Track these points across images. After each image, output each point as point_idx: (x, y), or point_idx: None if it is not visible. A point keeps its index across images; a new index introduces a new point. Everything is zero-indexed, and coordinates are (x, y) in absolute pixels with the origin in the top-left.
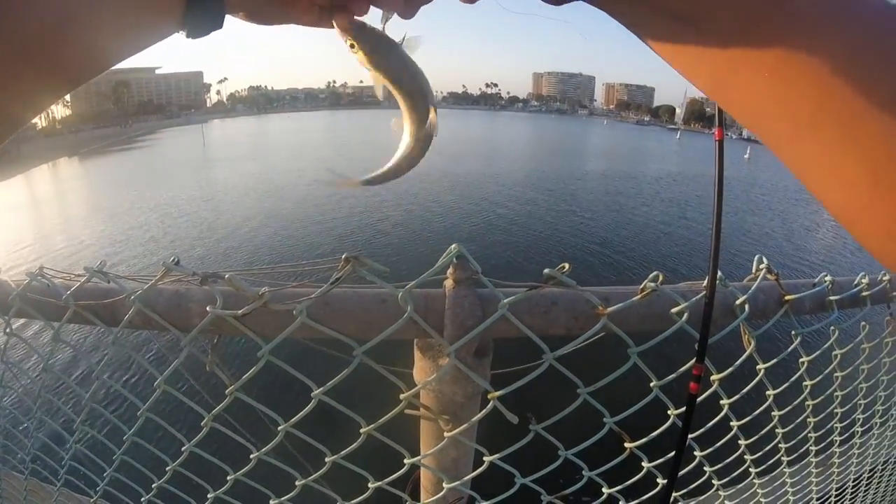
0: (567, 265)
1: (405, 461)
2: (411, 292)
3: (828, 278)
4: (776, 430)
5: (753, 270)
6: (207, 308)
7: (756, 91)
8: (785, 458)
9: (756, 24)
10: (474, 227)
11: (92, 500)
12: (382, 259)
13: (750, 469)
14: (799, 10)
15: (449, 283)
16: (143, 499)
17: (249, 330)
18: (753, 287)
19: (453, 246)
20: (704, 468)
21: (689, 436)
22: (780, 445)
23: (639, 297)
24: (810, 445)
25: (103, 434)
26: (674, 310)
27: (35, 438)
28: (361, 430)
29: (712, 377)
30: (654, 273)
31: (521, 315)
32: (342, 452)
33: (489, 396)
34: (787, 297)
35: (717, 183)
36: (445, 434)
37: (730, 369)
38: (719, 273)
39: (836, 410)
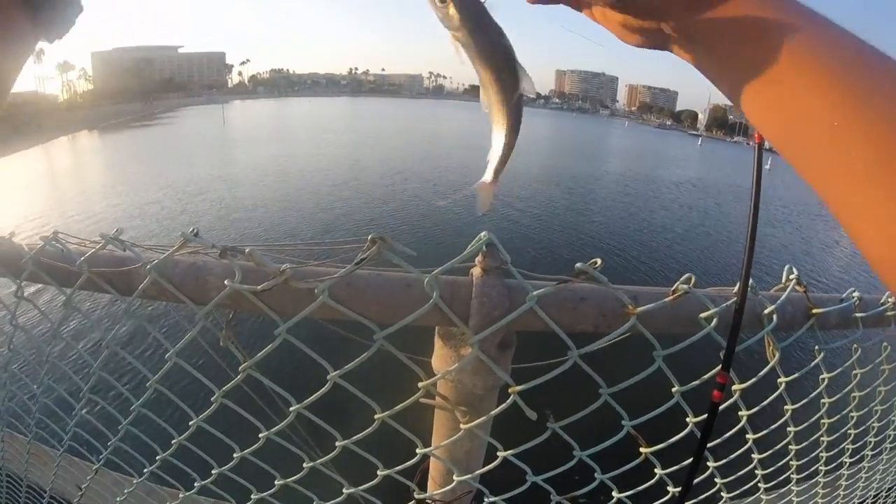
0: (599, 260)
1: (417, 451)
2: (437, 278)
3: (855, 294)
4: (789, 447)
5: (783, 280)
6: (225, 282)
7: (819, 142)
8: (795, 476)
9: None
10: (491, 220)
11: (94, 467)
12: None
13: (759, 484)
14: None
15: (477, 271)
16: (145, 469)
17: (267, 307)
18: (783, 297)
19: (483, 234)
20: (716, 479)
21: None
22: (791, 462)
23: (670, 298)
24: (820, 465)
25: (111, 404)
26: (703, 314)
27: (41, 404)
28: (376, 417)
29: (734, 387)
30: (687, 275)
31: (548, 309)
32: (354, 437)
33: (510, 391)
34: (814, 311)
35: (755, 189)
36: (462, 426)
37: (753, 380)
38: (751, 281)
39: (849, 431)
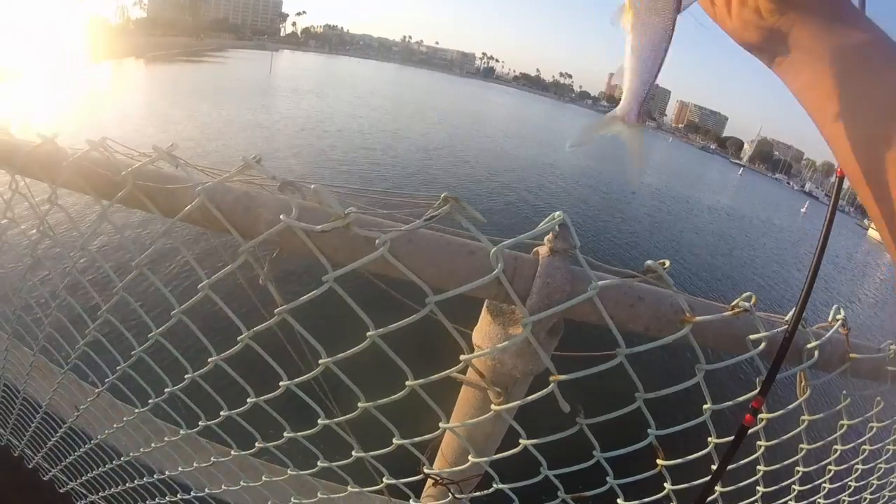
0: (668, 262)
1: (440, 424)
2: (503, 250)
3: (893, 347)
4: (793, 487)
5: (829, 319)
6: (281, 217)
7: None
8: None
9: None
10: (530, 209)
11: (97, 390)
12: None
13: None
14: None
15: (544, 250)
16: (150, 400)
17: (319, 251)
18: (827, 336)
19: (557, 213)
20: None
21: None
22: (790, 503)
23: (730, 312)
24: None
25: (128, 329)
26: (752, 336)
27: (54, 317)
28: (407, 383)
29: (760, 416)
30: (748, 293)
31: (606, 302)
32: (381, 401)
33: (552, 378)
34: (851, 355)
35: (826, 226)
36: (493, 407)
37: (782, 411)
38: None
39: (850, 483)
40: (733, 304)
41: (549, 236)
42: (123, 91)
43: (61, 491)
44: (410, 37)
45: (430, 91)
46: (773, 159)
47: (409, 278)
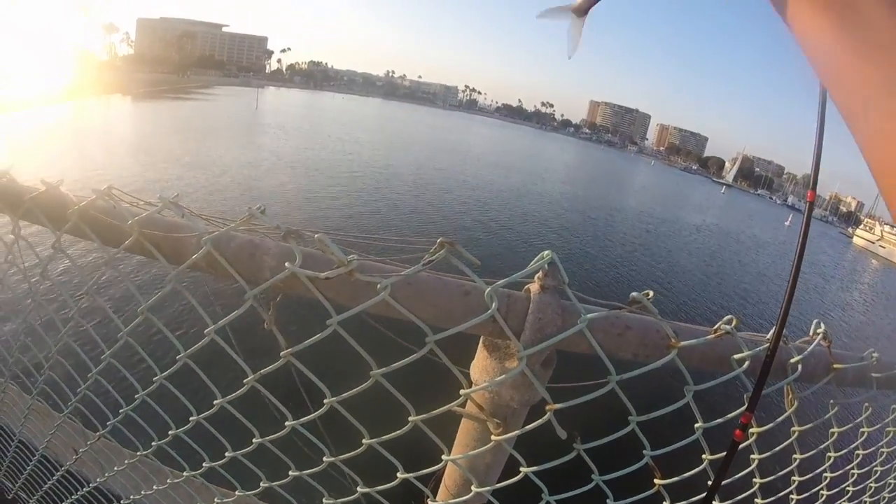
0: (651, 293)
1: (443, 457)
2: (497, 290)
3: (875, 355)
4: (791, 496)
5: (810, 333)
6: (286, 265)
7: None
8: None
9: None
10: (515, 238)
11: (98, 433)
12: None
13: None
14: None
15: (535, 287)
16: (153, 443)
17: (323, 296)
18: (809, 350)
19: (546, 252)
20: None
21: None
22: None
23: (712, 336)
24: None
25: (131, 372)
26: (736, 356)
27: (54, 360)
28: (410, 419)
29: (751, 430)
30: (729, 316)
31: (596, 333)
32: (383, 437)
33: (548, 408)
34: (835, 366)
35: (800, 246)
36: (493, 438)
37: (771, 425)
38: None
39: (847, 488)
40: (716, 327)
41: (540, 274)
42: (111, 129)
43: None
44: (394, 71)
45: (416, 124)
46: (754, 176)
47: (408, 319)
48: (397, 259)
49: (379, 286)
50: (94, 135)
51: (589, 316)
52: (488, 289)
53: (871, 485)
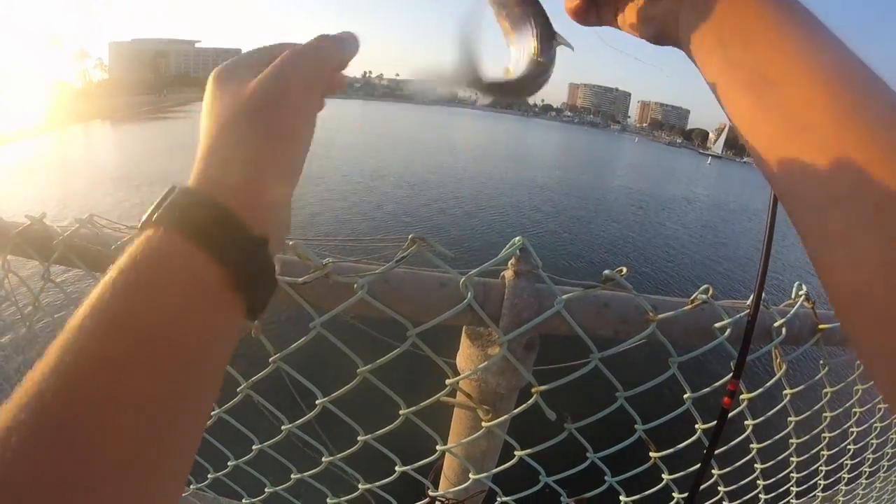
0: (625, 269)
1: (437, 447)
2: (472, 279)
3: None
4: (791, 459)
5: (793, 296)
6: None
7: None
8: (794, 489)
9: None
10: (505, 226)
11: None
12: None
13: (760, 495)
14: None
15: (509, 273)
16: None
17: (304, 300)
18: (791, 312)
19: (517, 238)
20: (719, 487)
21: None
22: (791, 474)
23: (689, 306)
24: (819, 479)
25: None
26: (717, 324)
27: None
28: (401, 412)
29: (741, 396)
30: (705, 286)
31: (574, 313)
32: (378, 432)
33: (533, 391)
34: (820, 326)
35: (771, 209)
36: (483, 424)
37: (760, 390)
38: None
39: (849, 447)
40: (692, 297)
41: (513, 260)
42: (91, 157)
43: None
44: (370, 72)
45: (398, 123)
46: (739, 143)
47: (389, 315)
48: (372, 259)
49: (356, 286)
50: (73, 165)
51: (565, 297)
52: (463, 279)
53: (873, 441)
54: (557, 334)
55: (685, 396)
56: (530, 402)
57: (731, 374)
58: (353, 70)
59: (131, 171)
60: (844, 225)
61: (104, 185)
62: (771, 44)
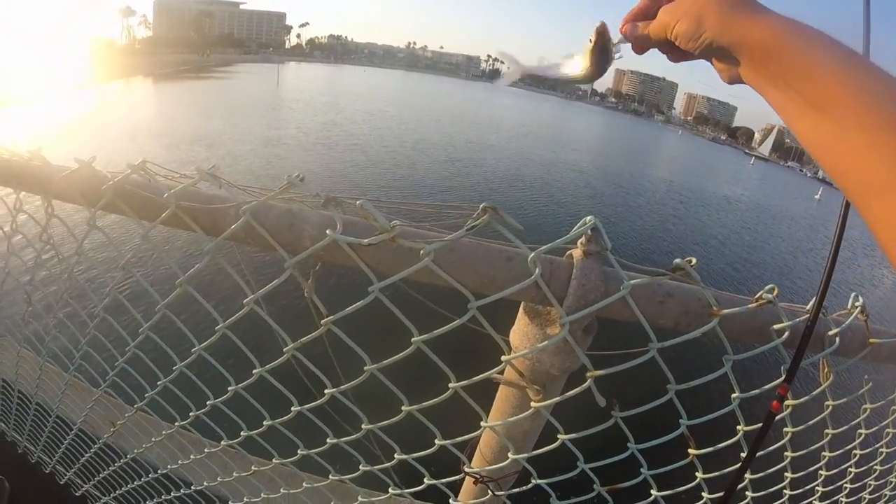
0: (694, 260)
1: (482, 423)
2: (541, 256)
3: None
4: (820, 472)
5: (848, 306)
6: (327, 232)
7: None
8: (817, 503)
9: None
10: (548, 207)
11: (136, 405)
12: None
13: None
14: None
15: (578, 253)
16: (191, 413)
17: (363, 263)
18: (846, 322)
19: (589, 217)
20: (747, 492)
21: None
22: (817, 488)
23: (754, 305)
24: (842, 497)
25: (169, 344)
26: (776, 326)
27: (91, 335)
28: (450, 385)
29: (786, 402)
30: (770, 286)
31: (638, 300)
32: (423, 404)
33: (588, 375)
34: (871, 340)
35: (841, 217)
36: (532, 404)
37: (806, 397)
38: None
39: (875, 467)
40: (757, 296)
41: (583, 240)
42: (134, 111)
43: None
44: (415, 42)
45: (441, 96)
46: (784, 147)
47: (450, 286)
48: (434, 226)
49: (422, 252)
50: (115, 120)
51: (632, 282)
52: (532, 254)
53: None
54: (608, 318)
55: (733, 396)
56: (584, 386)
57: (782, 378)
58: (398, 40)
59: (174, 130)
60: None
61: (145, 142)
62: (830, 76)
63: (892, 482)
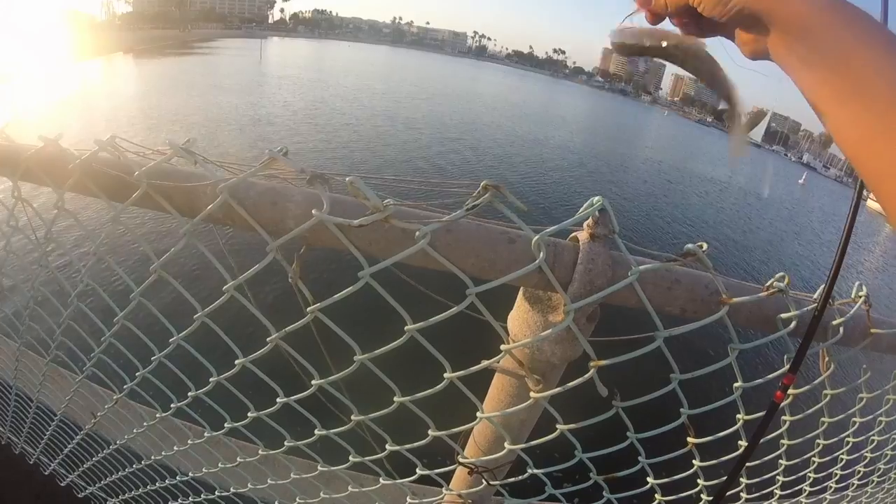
0: (705, 245)
1: (478, 414)
2: (545, 238)
3: None
4: (812, 459)
5: (852, 296)
6: (313, 212)
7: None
8: (807, 489)
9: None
10: (539, 187)
11: (115, 396)
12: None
13: (776, 490)
14: None
15: (584, 235)
16: (172, 404)
17: (353, 245)
18: (851, 312)
19: (596, 198)
20: (741, 479)
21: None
22: (808, 474)
23: (764, 293)
24: (831, 483)
25: (147, 333)
26: (783, 315)
27: (66, 326)
28: (446, 376)
29: (789, 392)
30: (781, 274)
31: (645, 286)
32: (417, 395)
33: (592, 364)
34: (872, 330)
35: (853, 207)
36: (532, 395)
37: (807, 387)
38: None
39: (865, 454)
40: (768, 284)
41: (589, 221)
42: (113, 88)
43: (80, 496)
44: (401, 18)
45: (428, 71)
46: (769, 131)
47: (448, 270)
48: (430, 205)
49: (417, 234)
50: (93, 97)
51: (641, 268)
52: (536, 237)
53: (888, 452)
54: (618, 305)
55: (735, 385)
56: (587, 376)
57: (787, 368)
58: (383, 15)
59: (154, 107)
60: None
61: (124, 120)
62: (871, 62)
63: (880, 469)
